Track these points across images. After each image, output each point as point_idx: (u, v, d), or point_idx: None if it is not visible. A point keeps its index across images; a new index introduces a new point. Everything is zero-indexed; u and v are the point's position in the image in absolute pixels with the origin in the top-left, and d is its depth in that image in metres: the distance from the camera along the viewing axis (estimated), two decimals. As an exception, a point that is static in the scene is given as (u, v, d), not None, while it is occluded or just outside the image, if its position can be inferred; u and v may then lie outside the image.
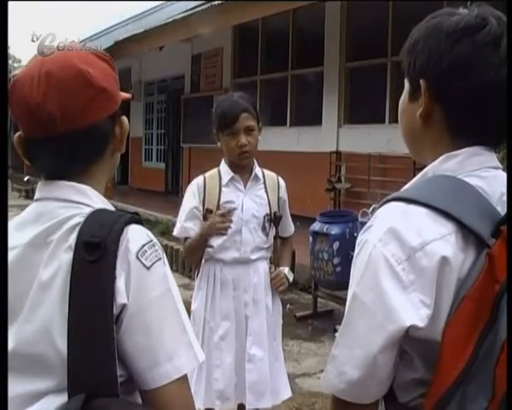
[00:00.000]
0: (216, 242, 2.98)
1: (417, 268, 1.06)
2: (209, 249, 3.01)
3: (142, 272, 1.13)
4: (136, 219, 1.19)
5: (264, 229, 3.02)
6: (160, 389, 1.13)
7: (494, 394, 0.98)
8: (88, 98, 1.18)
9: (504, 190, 1.13)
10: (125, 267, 1.11)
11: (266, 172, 3.13)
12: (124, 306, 1.11)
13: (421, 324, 1.05)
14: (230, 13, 9.87)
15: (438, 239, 1.06)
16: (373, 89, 9.56)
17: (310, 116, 10.69)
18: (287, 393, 3.12)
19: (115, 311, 1.10)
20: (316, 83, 10.59)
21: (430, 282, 1.05)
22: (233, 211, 2.94)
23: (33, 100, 1.15)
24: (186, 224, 2.99)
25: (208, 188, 2.99)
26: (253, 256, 2.99)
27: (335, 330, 5.67)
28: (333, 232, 5.66)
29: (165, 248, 8.56)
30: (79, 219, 1.15)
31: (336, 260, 5.64)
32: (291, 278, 3.12)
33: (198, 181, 3.04)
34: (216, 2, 9.87)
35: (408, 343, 1.10)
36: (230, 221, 2.93)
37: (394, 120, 8.81)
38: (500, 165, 1.19)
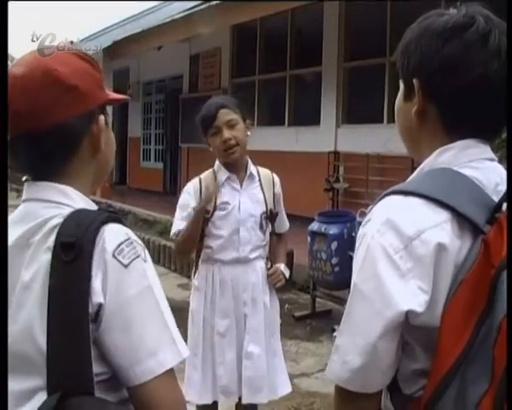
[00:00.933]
0: (214, 243, 2.99)
1: (414, 256, 1.09)
2: (207, 250, 3.02)
3: (120, 271, 1.13)
4: (115, 218, 1.19)
5: (261, 227, 3.03)
6: (145, 385, 1.13)
7: (493, 375, 1.00)
8: (54, 96, 1.17)
9: (499, 180, 1.17)
10: (102, 267, 1.12)
11: (261, 169, 3.13)
12: (100, 305, 1.11)
13: (419, 309, 1.08)
14: (229, 13, 9.88)
15: (433, 227, 1.09)
16: (371, 89, 9.56)
17: (308, 116, 10.70)
18: (286, 389, 3.14)
19: (91, 310, 1.10)
20: (314, 83, 10.60)
21: (427, 269, 1.09)
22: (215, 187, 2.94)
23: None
24: (181, 221, 2.98)
25: (204, 189, 2.99)
26: (252, 255, 3.00)
27: (334, 330, 5.68)
28: (331, 232, 5.66)
29: (163, 248, 8.57)
30: (58, 220, 1.16)
31: (334, 260, 5.64)
32: (287, 274, 3.14)
33: (193, 183, 3.05)
34: (214, 2, 9.87)
35: (409, 332, 1.13)
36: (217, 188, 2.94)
37: (392, 120, 8.76)
38: (495, 157, 1.23)
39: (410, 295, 1.08)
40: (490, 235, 1.06)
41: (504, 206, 1.08)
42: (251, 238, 2.99)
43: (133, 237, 1.19)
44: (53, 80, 1.18)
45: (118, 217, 1.21)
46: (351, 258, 5.81)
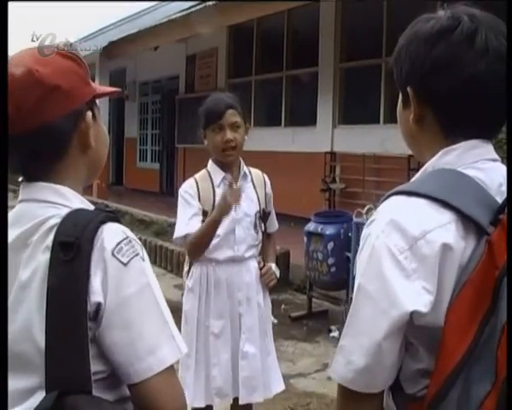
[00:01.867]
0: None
1: (419, 256, 1.10)
2: None
3: (120, 269, 1.14)
4: (112, 217, 1.19)
5: (255, 226, 3.04)
6: (146, 382, 1.14)
7: (496, 376, 1.01)
8: (37, 97, 1.17)
9: (502, 180, 1.17)
10: (101, 266, 1.13)
11: (252, 169, 3.15)
12: (99, 304, 1.12)
13: (424, 309, 1.08)
14: (225, 13, 9.88)
15: (438, 228, 1.10)
16: (367, 89, 9.58)
17: (304, 116, 10.71)
18: (279, 387, 3.14)
19: (90, 309, 1.11)
20: (310, 83, 10.60)
21: (432, 269, 1.09)
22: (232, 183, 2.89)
23: None
24: (188, 223, 2.93)
25: (201, 189, 2.98)
26: (246, 254, 3.01)
27: (330, 331, 5.69)
28: (327, 233, 5.66)
29: (160, 248, 8.56)
30: (56, 220, 1.16)
31: (331, 261, 5.64)
32: (278, 274, 3.15)
33: (190, 183, 3.03)
34: (211, 3, 9.87)
35: (412, 333, 1.13)
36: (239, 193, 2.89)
37: (389, 120, 8.83)
38: (498, 157, 1.23)
39: (415, 295, 1.09)
40: (494, 236, 1.07)
41: None
42: (246, 237, 3.00)
43: (131, 235, 1.20)
44: (35, 81, 1.17)
45: (115, 216, 1.21)
46: (347, 258, 5.84)
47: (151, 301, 1.17)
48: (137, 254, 1.17)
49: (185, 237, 2.93)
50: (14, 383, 1.14)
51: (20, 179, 1.27)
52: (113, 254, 1.14)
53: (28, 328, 1.13)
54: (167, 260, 8.39)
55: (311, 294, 6.25)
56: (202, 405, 2.98)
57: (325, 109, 10.02)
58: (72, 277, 1.11)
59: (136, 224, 10.05)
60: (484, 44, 1.16)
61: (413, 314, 1.09)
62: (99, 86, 1.35)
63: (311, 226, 5.88)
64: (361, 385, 1.16)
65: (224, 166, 3.02)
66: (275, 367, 3.13)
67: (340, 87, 9.94)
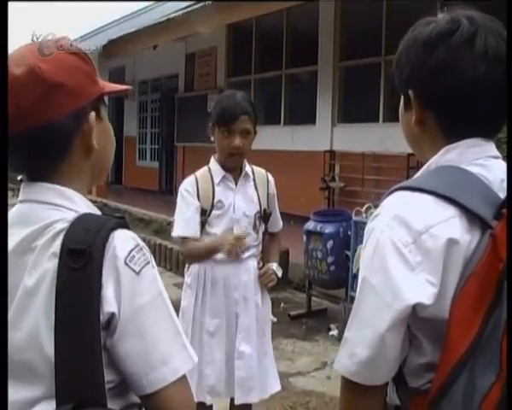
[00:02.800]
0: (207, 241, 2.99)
1: (423, 250, 1.12)
2: None
3: (133, 278, 1.11)
4: (122, 224, 1.16)
5: (254, 227, 3.03)
6: (160, 393, 1.12)
7: (501, 367, 1.03)
8: (38, 95, 1.12)
9: (504, 176, 1.20)
10: (114, 274, 1.09)
11: (255, 168, 3.13)
12: (113, 314, 1.09)
13: (427, 302, 1.10)
14: (224, 12, 9.87)
15: (442, 222, 1.12)
16: (367, 88, 9.57)
17: (304, 115, 10.71)
18: (276, 387, 3.13)
19: (102, 319, 1.08)
20: (310, 82, 10.60)
21: (437, 262, 1.11)
22: (246, 237, 2.94)
23: None
24: (187, 223, 2.95)
25: (201, 187, 2.98)
26: (245, 254, 3.00)
27: (329, 329, 5.69)
28: (327, 231, 5.67)
29: (159, 247, 8.56)
30: (63, 225, 1.12)
31: (330, 259, 5.64)
32: (279, 274, 3.12)
33: (190, 180, 3.02)
34: (210, 2, 9.86)
35: (416, 325, 1.15)
36: (241, 249, 2.93)
37: (388, 118, 8.84)
38: (499, 154, 1.26)
39: (419, 287, 1.11)
40: (497, 230, 1.09)
41: None
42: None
43: (141, 242, 1.17)
44: (36, 78, 1.12)
45: (125, 222, 1.18)
46: (346, 257, 5.84)
47: (163, 310, 1.16)
48: (148, 263, 1.15)
49: (183, 239, 2.98)
50: (17, 393, 1.10)
51: (19, 179, 1.24)
52: (125, 263, 1.11)
53: (35, 336, 1.10)
54: (166, 258, 8.39)
55: (311, 292, 6.25)
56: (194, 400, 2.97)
57: (324, 108, 10.01)
58: (84, 285, 1.07)
59: (135, 222, 10.05)
60: (483, 47, 1.18)
61: (416, 306, 1.11)
62: (108, 84, 1.29)
63: (310, 225, 5.88)
64: (364, 377, 1.17)
65: (226, 166, 3.02)
66: (272, 368, 3.12)
67: (340, 86, 9.94)
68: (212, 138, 3.01)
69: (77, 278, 1.07)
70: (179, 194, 3.02)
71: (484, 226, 1.12)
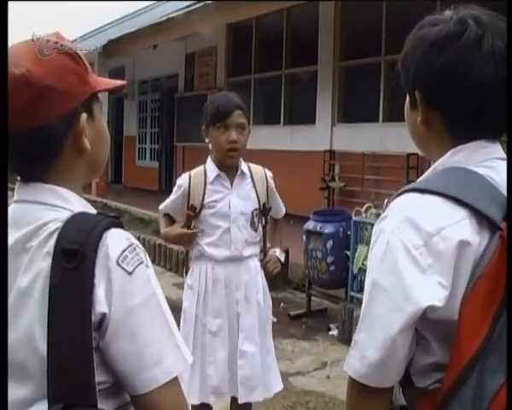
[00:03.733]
0: (206, 241, 3.01)
1: (434, 252, 1.12)
2: (200, 248, 3.03)
3: (125, 278, 1.10)
4: (116, 223, 1.15)
5: (252, 224, 3.05)
6: (151, 394, 1.11)
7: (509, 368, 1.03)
8: (27, 98, 1.11)
9: None
10: (106, 274, 1.09)
11: (252, 166, 3.15)
12: (104, 314, 1.08)
13: (439, 304, 1.10)
14: (224, 12, 9.87)
15: (453, 224, 1.12)
16: (367, 87, 9.58)
17: (303, 115, 10.71)
18: (278, 386, 3.15)
19: (94, 319, 1.07)
20: (309, 82, 10.60)
21: (448, 264, 1.11)
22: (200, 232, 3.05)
23: None
24: (170, 203, 3.15)
25: (193, 184, 3.02)
26: (245, 253, 3.02)
27: (329, 329, 5.70)
28: (326, 231, 5.67)
29: (159, 247, 8.57)
30: (58, 225, 1.11)
31: (330, 259, 5.65)
32: (282, 258, 3.16)
33: (184, 177, 3.09)
34: (210, 1, 9.86)
35: (425, 326, 1.15)
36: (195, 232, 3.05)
37: (388, 118, 8.84)
38: (505, 156, 1.25)
39: (430, 290, 1.11)
40: (506, 231, 1.09)
41: None
42: (242, 236, 3.01)
43: (135, 241, 1.15)
44: (25, 83, 1.11)
45: (119, 222, 1.17)
46: (346, 257, 5.84)
47: (156, 310, 1.14)
48: (142, 262, 1.13)
49: (163, 215, 3.25)
50: (13, 393, 1.10)
51: (19, 178, 1.24)
52: (117, 263, 1.10)
53: (29, 336, 1.09)
54: (166, 258, 8.41)
55: (310, 292, 6.25)
56: (196, 402, 2.98)
57: (324, 108, 10.01)
58: (76, 286, 1.07)
59: (135, 222, 10.05)
60: (491, 48, 1.18)
61: (427, 309, 1.11)
62: (102, 80, 1.27)
63: (310, 225, 5.88)
64: (374, 380, 1.17)
65: (221, 164, 3.03)
66: (274, 367, 3.14)
67: (340, 85, 9.94)
68: (207, 140, 3.04)
69: (69, 278, 1.07)
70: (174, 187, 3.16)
71: (493, 228, 1.12)
